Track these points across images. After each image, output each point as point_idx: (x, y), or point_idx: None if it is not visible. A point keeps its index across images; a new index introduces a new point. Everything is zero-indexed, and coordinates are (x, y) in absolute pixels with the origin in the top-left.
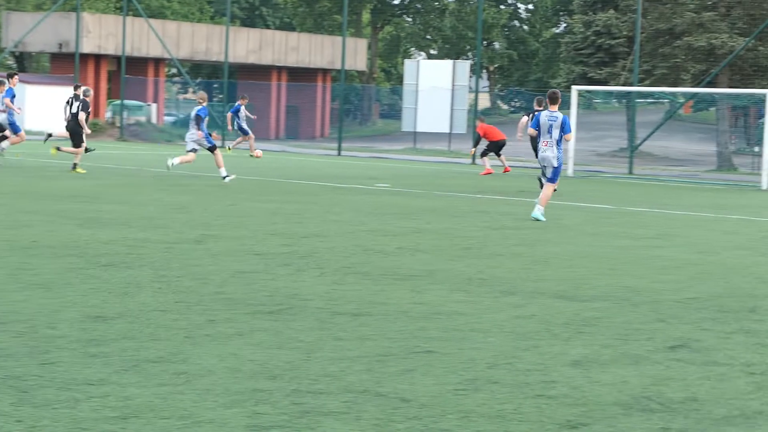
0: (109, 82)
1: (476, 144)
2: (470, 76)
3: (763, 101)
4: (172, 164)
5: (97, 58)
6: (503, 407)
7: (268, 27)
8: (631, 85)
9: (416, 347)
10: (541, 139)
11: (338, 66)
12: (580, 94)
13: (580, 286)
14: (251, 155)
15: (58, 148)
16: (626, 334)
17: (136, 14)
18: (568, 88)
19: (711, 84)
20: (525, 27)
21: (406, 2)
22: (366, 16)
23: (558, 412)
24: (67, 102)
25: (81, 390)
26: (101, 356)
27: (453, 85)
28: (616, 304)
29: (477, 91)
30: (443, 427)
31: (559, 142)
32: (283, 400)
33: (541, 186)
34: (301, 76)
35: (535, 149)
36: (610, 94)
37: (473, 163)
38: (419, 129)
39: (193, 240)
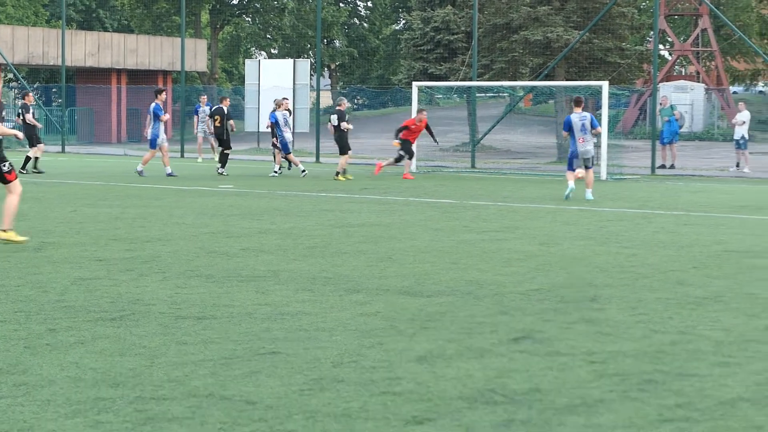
0: None
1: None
2: (311, 75)
3: (600, 93)
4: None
5: None
6: (349, 405)
7: (106, 29)
8: (470, 79)
9: (261, 349)
10: (577, 137)
11: (178, 67)
12: (421, 90)
13: (424, 281)
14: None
15: None
16: (470, 328)
17: None
18: (409, 84)
19: (549, 77)
20: (365, 24)
21: (245, 2)
22: (205, 17)
23: (403, 408)
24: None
25: None
26: None
27: (294, 84)
28: (460, 298)
29: (318, 90)
30: (289, 428)
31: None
32: (127, 407)
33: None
34: (141, 78)
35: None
36: (450, 89)
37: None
38: (262, 129)
39: (32, 248)
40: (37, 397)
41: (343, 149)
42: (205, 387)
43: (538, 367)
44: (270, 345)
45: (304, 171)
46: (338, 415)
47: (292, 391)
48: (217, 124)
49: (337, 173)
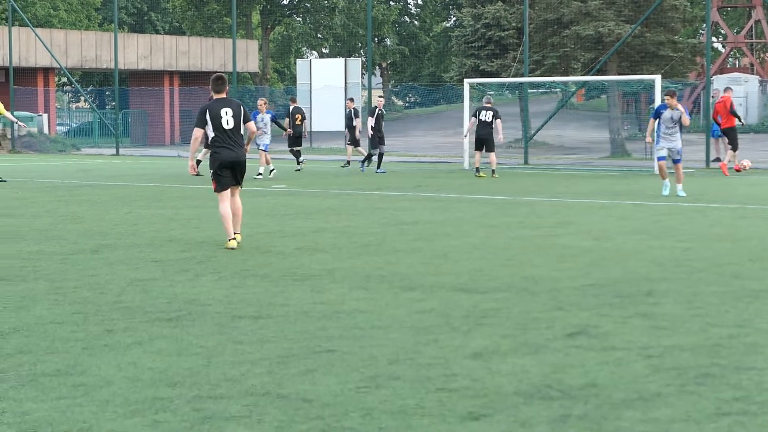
0: None
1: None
2: (363, 74)
3: (653, 87)
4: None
5: None
6: (405, 402)
7: (157, 32)
8: (522, 76)
9: (317, 347)
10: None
11: (230, 68)
12: (473, 86)
13: (479, 278)
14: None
15: None
16: (525, 324)
17: (23, 24)
18: (461, 81)
19: (601, 72)
20: (415, 22)
21: (295, 2)
22: (256, 18)
23: (459, 404)
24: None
25: None
26: None
27: (346, 83)
28: (515, 294)
29: (370, 88)
30: (346, 426)
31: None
32: (184, 406)
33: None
34: (193, 80)
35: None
36: (502, 85)
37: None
38: (314, 128)
39: (89, 250)
40: (95, 398)
41: (489, 147)
42: (262, 385)
43: (594, 362)
44: (326, 343)
45: (273, 169)
46: (395, 412)
47: (349, 389)
48: (298, 122)
49: (493, 171)
